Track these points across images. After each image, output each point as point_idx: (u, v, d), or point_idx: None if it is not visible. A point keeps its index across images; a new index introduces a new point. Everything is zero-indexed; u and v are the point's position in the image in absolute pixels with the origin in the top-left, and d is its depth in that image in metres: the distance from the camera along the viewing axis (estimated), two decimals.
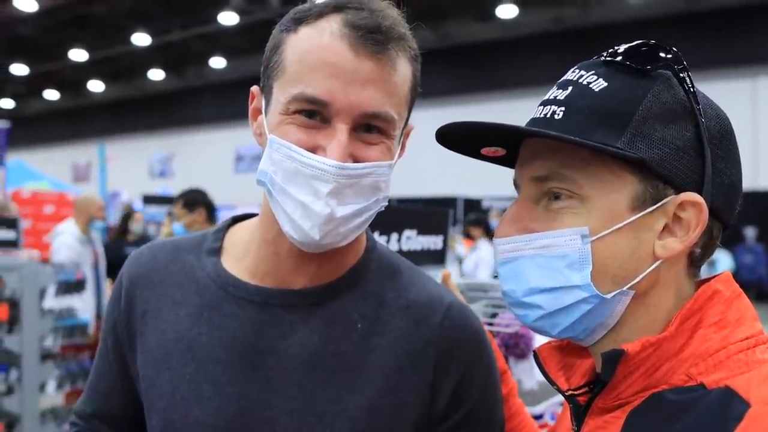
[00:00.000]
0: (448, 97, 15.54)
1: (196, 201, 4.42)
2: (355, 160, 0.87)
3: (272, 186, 0.89)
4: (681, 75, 0.74)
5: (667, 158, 0.72)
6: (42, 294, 3.89)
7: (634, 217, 0.73)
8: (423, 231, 2.27)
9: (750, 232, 12.42)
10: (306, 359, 0.94)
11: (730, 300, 0.75)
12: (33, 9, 13.42)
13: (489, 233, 7.44)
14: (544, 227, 0.76)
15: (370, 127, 0.89)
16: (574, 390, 0.81)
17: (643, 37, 0.77)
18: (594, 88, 0.75)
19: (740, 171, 0.78)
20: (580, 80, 0.77)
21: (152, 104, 21.70)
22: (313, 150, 0.86)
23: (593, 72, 0.77)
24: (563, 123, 0.74)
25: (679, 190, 0.73)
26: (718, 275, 0.78)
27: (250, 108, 0.97)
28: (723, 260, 11.30)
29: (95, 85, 20.72)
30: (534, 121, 0.78)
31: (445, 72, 15.83)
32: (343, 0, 0.88)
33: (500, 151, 0.84)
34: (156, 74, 19.50)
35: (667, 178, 0.73)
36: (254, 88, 0.97)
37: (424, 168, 14.71)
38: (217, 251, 1.04)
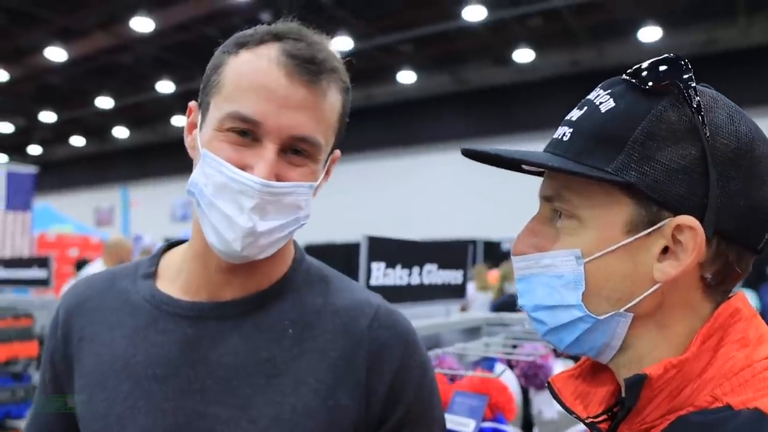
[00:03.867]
0: (466, 139, 15.64)
1: None
2: (279, 179, 0.92)
3: (201, 198, 0.93)
4: (687, 92, 0.72)
5: (663, 181, 0.70)
6: None
7: (627, 240, 0.73)
8: (443, 265, 2.33)
9: None
10: (239, 367, 0.96)
11: (750, 318, 0.74)
12: (62, 59, 13.83)
13: None
14: (550, 246, 0.78)
15: (297, 150, 0.94)
16: (593, 417, 0.80)
17: None
18: (602, 109, 0.75)
19: None
20: (595, 100, 0.77)
21: (175, 150, 21.73)
22: (243, 168, 0.91)
23: (609, 91, 0.77)
24: (568, 145, 0.76)
25: (677, 213, 0.71)
26: (734, 295, 0.77)
27: (187, 122, 1.02)
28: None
29: (120, 132, 21.12)
30: (551, 142, 0.80)
31: (462, 115, 16.00)
32: (284, 30, 0.95)
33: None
34: (179, 120, 19.83)
35: (662, 201, 0.71)
36: (192, 104, 1.02)
37: (444, 210, 14.77)
38: (151, 275, 1.07)
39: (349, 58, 1.03)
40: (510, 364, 2.20)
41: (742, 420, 0.64)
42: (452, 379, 1.81)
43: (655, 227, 0.72)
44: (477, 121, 16.12)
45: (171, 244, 1.14)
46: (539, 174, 0.84)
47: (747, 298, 0.77)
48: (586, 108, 0.77)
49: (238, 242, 0.92)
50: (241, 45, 0.95)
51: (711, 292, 0.75)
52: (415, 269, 2.15)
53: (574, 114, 0.78)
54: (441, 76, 15.53)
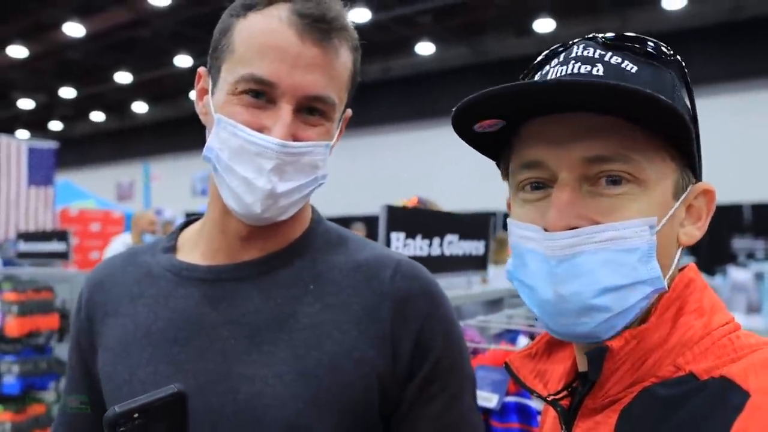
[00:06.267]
0: None
1: None
2: (296, 139, 0.93)
3: (218, 163, 0.94)
4: (685, 70, 0.75)
5: (695, 146, 0.73)
6: None
7: (677, 205, 0.72)
8: (464, 236, 2.28)
9: None
10: (262, 325, 0.97)
11: (702, 289, 0.74)
12: (81, 34, 13.83)
13: None
14: (607, 217, 0.68)
15: (312, 110, 0.95)
16: (554, 395, 0.79)
17: (684, 47, 0.79)
18: (629, 69, 0.70)
19: None
20: (607, 59, 0.72)
21: (194, 124, 21.49)
22: (259, 130, 0.92)
23: (611, 53, 0.72)
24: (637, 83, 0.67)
25: (696, 180, 0.75)
26: (687, 265, 0.76)
27: (197, 88, 1.02)
28: None
29: (139, 107, 21.19)
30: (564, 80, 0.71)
31: (482, 87, 15.63)
32: None
33: (498, 124, 0.78)
34: None
35: (693, 167, 0.74)
36: (201, 69, 1.02)
37: (464, 182, 14.68)
38: (171, 249, 1.10)
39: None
40: (533, 337, 2.16)
41: (710, 390, 0.64)
42: (474, 352, 1.77)
43: (687, 191, 0.73)
44: None
45: (189, 221, 1.15)
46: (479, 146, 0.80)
47: (697, 268, 0.76)
48: (601, 66, 0.71)
49: (258, 204, 0.93)
50: (249, 7, 0.95)
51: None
52: (436, 240, 2.11)
53: (591, 69, 0.71)
54: (460, 47, 15.31)
